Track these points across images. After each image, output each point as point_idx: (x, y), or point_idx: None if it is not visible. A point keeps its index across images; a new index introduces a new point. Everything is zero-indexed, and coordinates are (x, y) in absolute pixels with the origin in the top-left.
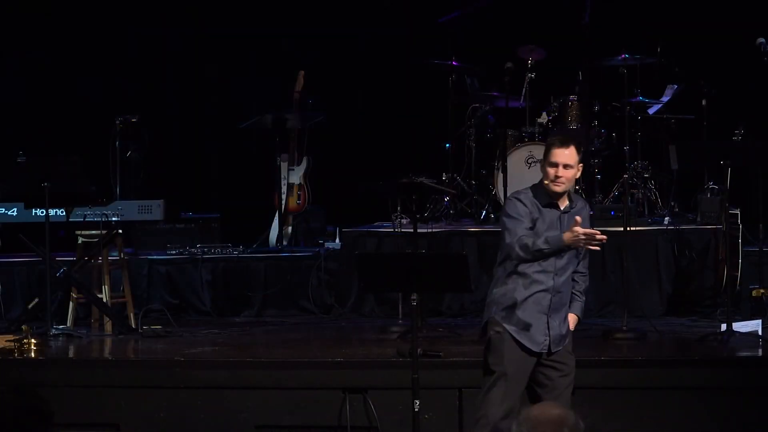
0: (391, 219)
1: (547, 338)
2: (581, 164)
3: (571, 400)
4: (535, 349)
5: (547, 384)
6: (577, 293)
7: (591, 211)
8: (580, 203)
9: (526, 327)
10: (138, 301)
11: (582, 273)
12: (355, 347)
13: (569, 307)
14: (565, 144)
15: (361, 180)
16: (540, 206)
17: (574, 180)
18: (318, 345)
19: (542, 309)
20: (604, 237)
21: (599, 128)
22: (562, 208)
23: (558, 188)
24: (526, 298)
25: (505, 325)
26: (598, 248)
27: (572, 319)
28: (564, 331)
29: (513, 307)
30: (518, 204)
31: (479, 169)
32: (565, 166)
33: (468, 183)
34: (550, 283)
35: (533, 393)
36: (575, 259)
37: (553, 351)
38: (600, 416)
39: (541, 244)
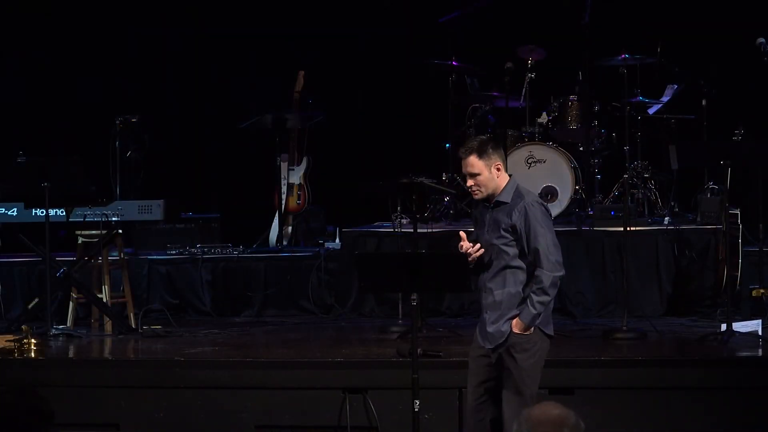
0: (391, 219)
1: (484, 334)
2: (496, 162)
3: (516, 401)
4: (479, 342)
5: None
6: (529, 296)
7: (555, 211)
8: (519, 200)
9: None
10: (138, 301)
11: (535, 276)
12: (355, 347)
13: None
14: (464, 154)
15: (361, 180)
16: (481, 206)
17: (494, 181)
18: (318, 345)
19: (481, 306)
20: (477, 252)
21: (599, 128)
22: (490, 205)
23: (476, 196)
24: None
25: None
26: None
27: (514, 323)
28: (495, 331)
29: None
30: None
31: None
32: (472, 175)
33: None
34: (482, 281)
35: None
36: (503, 257)
37: (487, 347)
38: (600, 416)
39: None
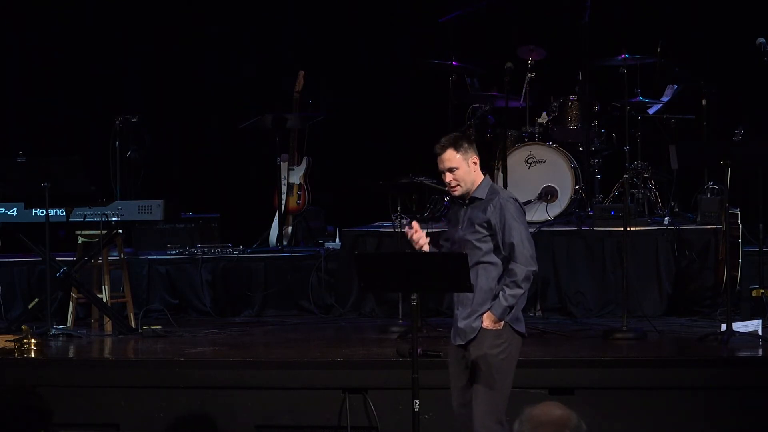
0: (391, 219)
1: (456, 330)
2: (473, 157)
3: (490, 397)
4: (452, 341)
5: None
6: (502, 289)
7: (522, 205)
8: (494, 196)
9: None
10: (138, 301)
11: (509, 269)
12: (355, 347)
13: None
14: (441, 149)
15: (361, 180)
16: (457, 204)
17: (471, 175)
18: (318, 345)
19: (454, 302)
20: (418, 237)
21: (599, 128)
22: (466, 202)
23: (455, 192)
24: None
25: None
26: (421, 246)
27: (485, 316)
28: (466, 326)
29: None
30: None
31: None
32: (450, 170)
33: None
34: None
35: None
36: (476, 253)
37: (457, 344)
38: (600, 416)
39: None
